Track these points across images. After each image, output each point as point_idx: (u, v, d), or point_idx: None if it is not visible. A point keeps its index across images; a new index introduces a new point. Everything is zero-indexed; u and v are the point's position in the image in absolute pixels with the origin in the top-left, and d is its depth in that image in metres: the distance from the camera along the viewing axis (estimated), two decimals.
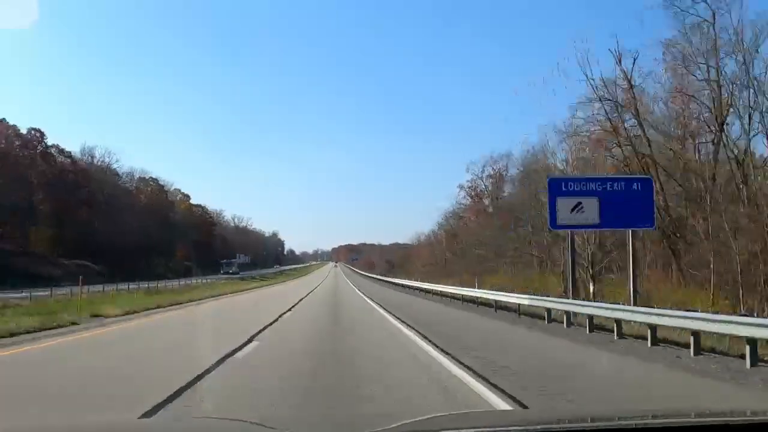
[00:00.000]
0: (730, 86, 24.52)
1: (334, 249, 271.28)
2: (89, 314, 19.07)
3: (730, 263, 20.20)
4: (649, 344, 11.75)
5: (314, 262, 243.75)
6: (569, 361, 10.81)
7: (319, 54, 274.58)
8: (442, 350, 11.17)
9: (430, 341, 12.78)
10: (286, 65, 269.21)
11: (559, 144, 33.13)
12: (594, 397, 7.42)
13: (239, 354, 10.88)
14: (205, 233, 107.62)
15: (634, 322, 12.93)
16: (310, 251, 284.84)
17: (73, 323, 16.70)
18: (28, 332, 14.13)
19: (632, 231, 17.23)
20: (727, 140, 24.50)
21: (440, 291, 32.57)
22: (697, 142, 28.21)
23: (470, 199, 60.77)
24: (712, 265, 20.64)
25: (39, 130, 65.52)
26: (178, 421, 5.26)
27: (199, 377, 8.15)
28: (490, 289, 25.02)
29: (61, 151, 66.72)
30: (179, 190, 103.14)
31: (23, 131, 63.54)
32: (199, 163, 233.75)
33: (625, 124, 26.90)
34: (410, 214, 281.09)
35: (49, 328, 15.08)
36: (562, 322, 16.12)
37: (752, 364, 9.26)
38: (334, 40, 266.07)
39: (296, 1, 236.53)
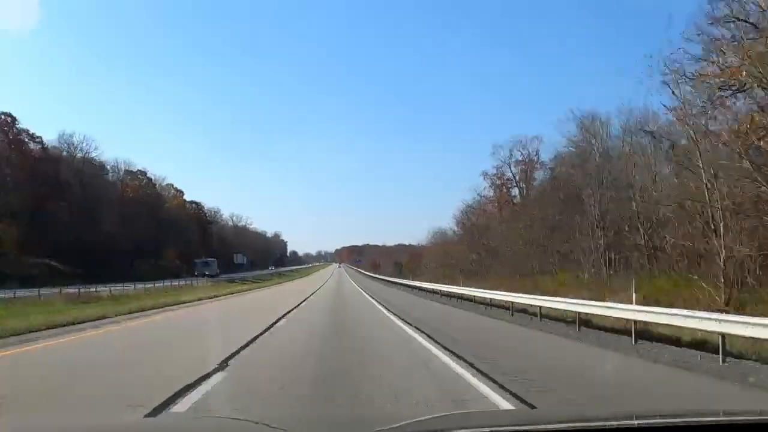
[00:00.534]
0: None
1: (337, 250, 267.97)
2: None
3: None
4: None
5: (317, 264, 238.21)
6: None
7: (320, 54, 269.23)
8: None
9: None
10: (290, 68, 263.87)
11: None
12: None
13: None
14: (201, 232, 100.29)
15: None
16: (314, 252, 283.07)
17: None
18: None
19: None
20: None
21: (490, 298, 23.73)
22: None
23: (495, 190, 52.72)
24: None
25: (9, 115, 58.56)
26: (183, 420, 5.19)
27: None
28: (583, 298, 16.92)
29: (32, 137, 59.50)
30: (172, 186, 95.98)
31: None
32: (201, 163, 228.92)
33: None
34: (413, 214, 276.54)
35: None
36: None
37: None
38: (337, 41, 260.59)
39: (302, 3, 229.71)
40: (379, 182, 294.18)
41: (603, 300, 15.96)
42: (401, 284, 54.54)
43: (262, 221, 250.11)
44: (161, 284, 45.57)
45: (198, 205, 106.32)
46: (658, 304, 14.54)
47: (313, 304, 26.45)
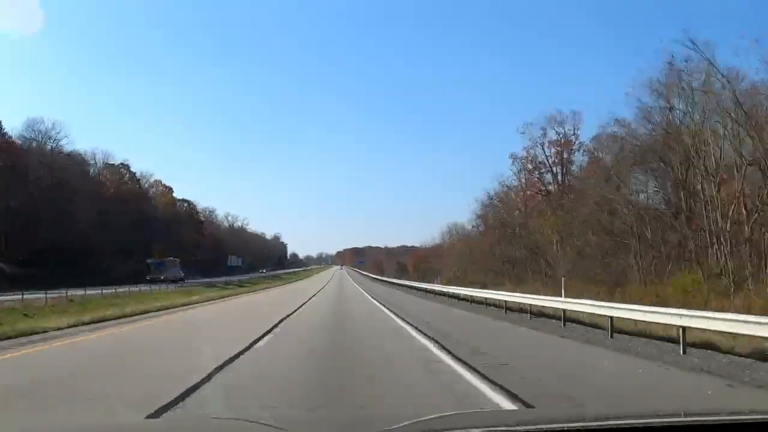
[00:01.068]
0: None
1: (338, 253, 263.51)
2: None
3: None
4: None
5: (316, 266, 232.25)
6: None
7: (319, 59, 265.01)
8: None
9: None
10: (290, 73, 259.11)
11: None
12: None
13: None
14: (192, 232, 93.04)
15: None
16: (314, 255, 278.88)
17: None
18: None
19: None
20: None
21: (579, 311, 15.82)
22: None
23: (525, 175, 44.84)
24: None
25: None
26: (185, 421, 5.34)
27: None
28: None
29: None
30: (160, 182, 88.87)
31: None
32: (200, 163, 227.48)
33: None
34: (414, 216, 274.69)
35: None
36: None
37: None
38: (335, 45, 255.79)
39: (303, 6, 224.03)
40: (380, 184, 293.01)
41: None
42: (414, 288, 47.09)
43: (263, 224, 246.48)
44: (125, 289, 37.80)
45: (190, 204, 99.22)
46: None
47: (296, 331, 15.97)
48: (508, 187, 48.36)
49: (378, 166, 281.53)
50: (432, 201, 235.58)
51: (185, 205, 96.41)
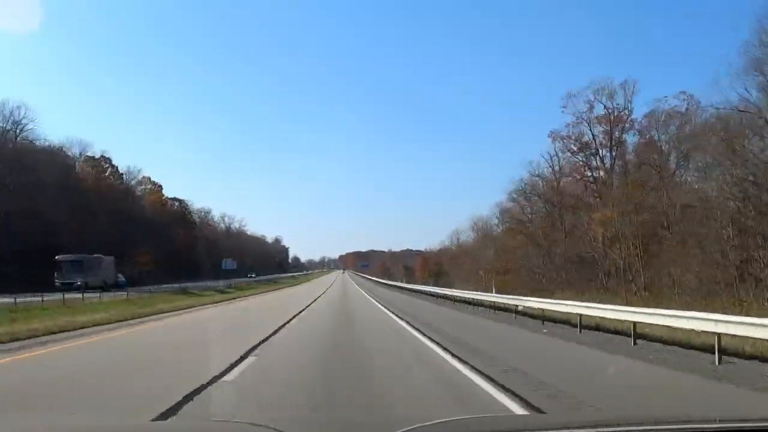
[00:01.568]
0: None
1: (341, 256, 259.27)
2: None
3: None
4: None
5: (316, 270, 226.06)
6: None
7: (320, 64, 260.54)
8: None
9: None
10: (291, 78, 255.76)
11: None
12: None
13: None
14: (184, 233, 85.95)
15: None
16: (317, 259, 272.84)
17: None
18: None
19: None
20: None
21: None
22: None
23: (570, 155, 37.37)
24: None
25: None
26: (192, 423, 5.05)
27: None
28: None
29: None
30: (149, 179, 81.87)
31: None
32: (200, 164, 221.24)
33: None
34: (419, 220, 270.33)
35: None
36: None
37: None
38: (336, 45, 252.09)
39: (303, 9, 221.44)
40: (383, 188, 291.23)
41: None
42: (442, 296, 38.91)
43: (264, 228, 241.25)
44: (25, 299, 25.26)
45: (182, 203, 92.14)
46: None
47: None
48: (539, 176, 41.32)
49: (381, 170, 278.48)
50: (436, 205, 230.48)
51: (176, 204, 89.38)
